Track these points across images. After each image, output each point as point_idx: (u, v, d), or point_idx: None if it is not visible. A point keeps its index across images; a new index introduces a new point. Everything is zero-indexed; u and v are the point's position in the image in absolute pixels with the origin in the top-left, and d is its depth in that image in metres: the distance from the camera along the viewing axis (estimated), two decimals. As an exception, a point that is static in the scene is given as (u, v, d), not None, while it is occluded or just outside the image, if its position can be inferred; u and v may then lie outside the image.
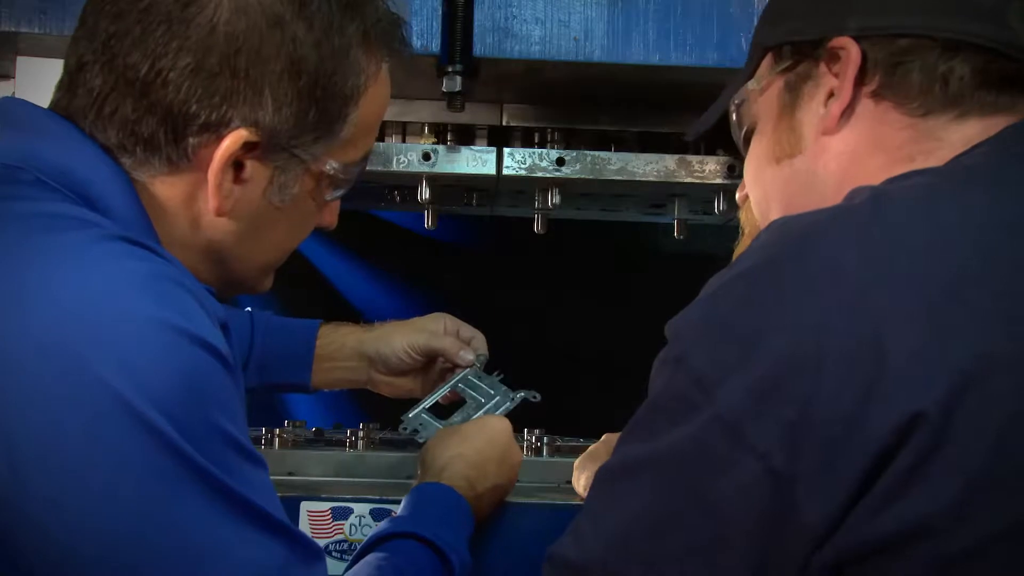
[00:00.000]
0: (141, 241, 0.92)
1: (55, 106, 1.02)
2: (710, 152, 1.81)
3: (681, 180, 1.78)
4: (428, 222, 1.94)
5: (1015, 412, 0.79)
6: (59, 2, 1.49)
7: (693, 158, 1.78)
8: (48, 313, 0.84)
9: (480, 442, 1.32)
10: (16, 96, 1.61)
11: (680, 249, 2.04)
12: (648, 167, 1.77)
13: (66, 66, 1.02)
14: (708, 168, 1.77)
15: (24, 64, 1.61)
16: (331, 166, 1.06)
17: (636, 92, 1.71)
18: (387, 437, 1.81)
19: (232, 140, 0.98)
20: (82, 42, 1.00)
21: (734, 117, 1.16)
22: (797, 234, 0.88)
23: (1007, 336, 0.81)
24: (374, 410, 2.41)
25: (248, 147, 1.00)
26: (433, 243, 3.15)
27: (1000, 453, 0.79)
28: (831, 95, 1.04)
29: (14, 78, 1.62)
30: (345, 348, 1.58)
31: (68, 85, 1.01)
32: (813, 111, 1.05)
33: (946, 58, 0.99)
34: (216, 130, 0.98)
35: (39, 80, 1.61)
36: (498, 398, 1.49)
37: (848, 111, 1.03)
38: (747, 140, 1.16)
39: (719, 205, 1.83)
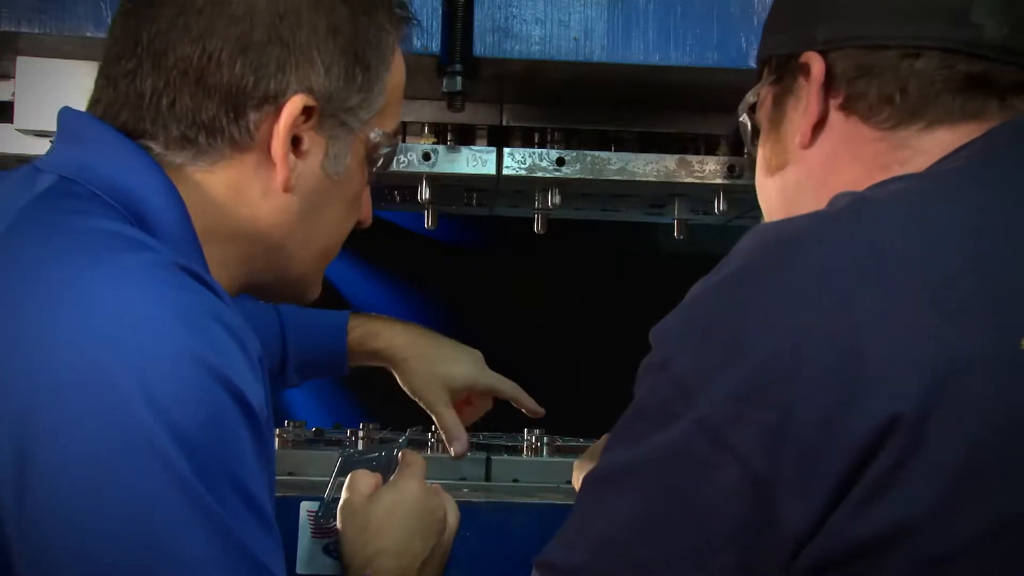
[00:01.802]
0: (193, 269, 0.92)
1: (111, 120, 1.02)
2: (710, 152, 1.81)
3: (681, 180, 1.78)
4: (428, 222, 1.94)
5: (991, 413, 0.80)
6: (59, 2, 1.49)
7: (693, 158, 1.78)
8: (87, 333, 0.83)
9: (394, 528, 1.24)
10: (17, 96, 1.62)
11: (680, 249, 2.05)
12: (648, 167, 1.77)
13: (109, 82, 1.01)
14: (708, 168, 1.77)
15: (24, 64, 1.61)
16: (376, 133, 1.09)
17: (636, 92, 1.71)
18: (387, 437, 1.81)
19: (292, 106, 1.00)
20: (120, 62, 1.00)
21: (741, 126, 1.17)
22: (778, 239, 0.89)
23: (983, 337, 0.82)
24: (374, 410, 2.42)
25: (306, 115, 1.01)
26: (433, 243, 3.15)
27: (977, 454, 0.80)
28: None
29: (14, 78, 1.62)
30: (374, 356, 1.58)
31: (116, 101, 1.00)
32: (795, 124, 1.06)
33: (905, 66, 0.98)
34: (275, 101, 1.00)
35: (39, 80, 1.61)
36: (384, 455, 1.42)
37: (821, 124, 1.04)
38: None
39: (719, 205, 1.83)
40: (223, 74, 0.98)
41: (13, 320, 0.84)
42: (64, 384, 0.81)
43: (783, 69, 1.07)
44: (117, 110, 1.00)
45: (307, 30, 1.00)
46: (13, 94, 1.63)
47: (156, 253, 0.91)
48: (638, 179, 1.77)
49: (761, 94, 1.12)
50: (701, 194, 1.87)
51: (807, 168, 1.06)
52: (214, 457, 0.84)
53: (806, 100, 1.04)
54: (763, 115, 1.12)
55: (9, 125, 1.64)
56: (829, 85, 1.02)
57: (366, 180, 1.13)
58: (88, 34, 1.49)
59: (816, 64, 1.02)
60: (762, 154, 1.13)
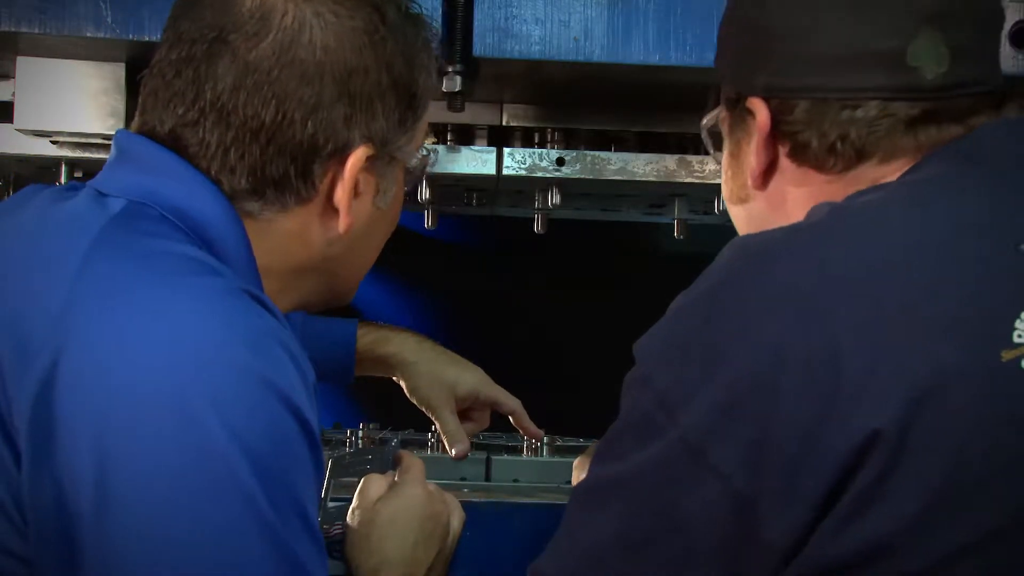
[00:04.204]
0: (257, 294, 0.94)
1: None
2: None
3: (681, 180, 1.78)
4: (428, 222, 1.94)
5: (972, 427, 0.80)
6: (59, 2, 1.49)
7: (693, 158, 1.78)
8: (163, 352, 0.85)
9: (397, 537, 1.24)
10: (17, 96, 1.62)
11: (680, 249, 2.04)
12: (648, 167, 1.77)
13: (160, 123, 1.01)
14: (708, 168, 1.77)
15: (24, 64, 1.61)
16: (415, 158, 1.12)
17: (636, 92, 1.71)
18: (387, 437, 1.81)
19: (356, 158, 1.02)
20: (177, 109, 1.00)
21: (705, 142, 1.17)
22: (755, 253, 0.89)
23: (962, 349, 0.81)
24: (374, 410, 2.41)
25: (366, 161, 1.04)
26: (433, 243, 3.15)
27: (958, 469, 0.80)
28: None
29: (14, 78, 1.62)
30: (382, 363, 1.59)
31: (173, 142, 1.00)
32: (749, 162, 1.05)
33: (844, 116, 0.97)
34: (340, 153, 1.02)
35: (39, 80, 1.61)
36: (377, 458, 1.43)
37: (773, 167, 1.03)
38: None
39: (719, 205, 1.83)
40: (295, 133, 0.99)
41: (93, 335, 0.86)
42: (140, 400, 0.84)
43: (733, 105, 1.06)
44: (180, 150, 1.00)
45: (372, 85, 1.02)
46: (13, 94, 1.63)
47: (226, 278, 0.93)
48: (638, 179, 1.77)
49: (720, 119, 1.11)
50: (701, 194, 1.87)
51: (768, 205, 1.05)
52: (280, 478, 0.87)
53: (755, 144, 1.03)
54: (724, 134, 1.11)
55: (9, 125, 1.64)
56: (775, 132, 1.01)
57: (404, 195, 1.16)
58: (88, 34, 1.49)
59: (761, 112, 1.01)
60: (726, 181, 1.12)
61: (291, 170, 1.00)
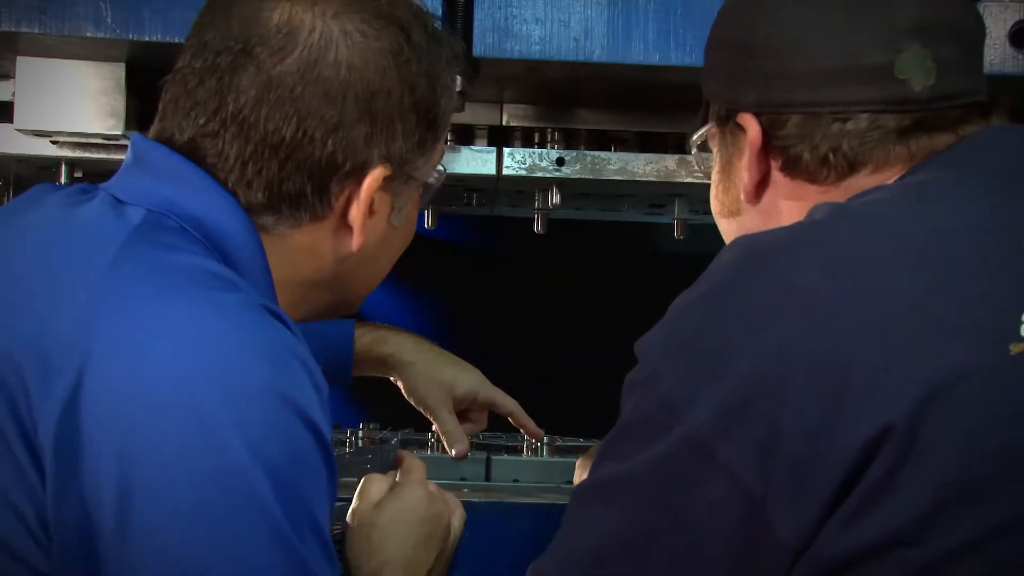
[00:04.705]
0: (273, 308, 0.94)
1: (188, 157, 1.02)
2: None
3: (681, 180, 1.78)
4: (428, 222, 1.94)
5: (981, 422, 0.80)
6: (59, 2, 1.49)
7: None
8: (184, 368, 0.86)
9: (398, 538, 1.23)
10: (17, 96, 1.62)
11: (680, 249, 2.05)
12: (648, 167, 1.77)
13: (180, 132, 1.00)
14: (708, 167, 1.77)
15: (24, 64, 1.61)
16: (433, 177, 1.11)
17: (636, 92, 1.71)
18: (387, 437, 1.81)
19: (373, 178, 1.02)
20: (197, 118, 0.99)
21: (695, 158, 1.17)
22: (759, 252, 0.90)
23: (971, 346, 0.82)
24: (374, 410, 2.42)
25: (383, 181, 1.03)
26: (433, 243, 3.15)
27: (969, 461, 0.80)
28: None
29: (14, 78, 1.62)
30: (380, 363, 1.59)
31: (192, 150, 1.00)
32: (741, 176, 1.06)
33: (835, 129, 0.98)
34: (358, 173, 1.01)
35: (39, 80, 1.61)
36: (376, 458, 1.43)
37: (765, 181, 1.04)
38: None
39: (719, 205, 1.83)
40: (314, 151, 0.99)
41: (114, 351, 0.86)
42: (162, 416, 0.84)
43: (724, 121, 1.07)
44: (198, 160, 1.00)
45: (394, 106, 1.02)
46: (13, 94, 1.63)
47: (244, 293, 0.94)
48: (638, 179, 1.77)
49: (708, 135, 1.12)
50: (701, 194, 1.86)
51: (761, 218, 1.06)
52: (299, 496, 0.88)
53: (747, 159, 1.04)
54: (714, 151, 1.12)
55: (9, 125, 1.64)
56: (767, 147, 1.02)
57: (418, 211, 1.16)
58: (88, 34, 1.49)
59: (752, 127, 1.02)
60: (716, 195, 1.12)
61: (308, 187, 1.00)
